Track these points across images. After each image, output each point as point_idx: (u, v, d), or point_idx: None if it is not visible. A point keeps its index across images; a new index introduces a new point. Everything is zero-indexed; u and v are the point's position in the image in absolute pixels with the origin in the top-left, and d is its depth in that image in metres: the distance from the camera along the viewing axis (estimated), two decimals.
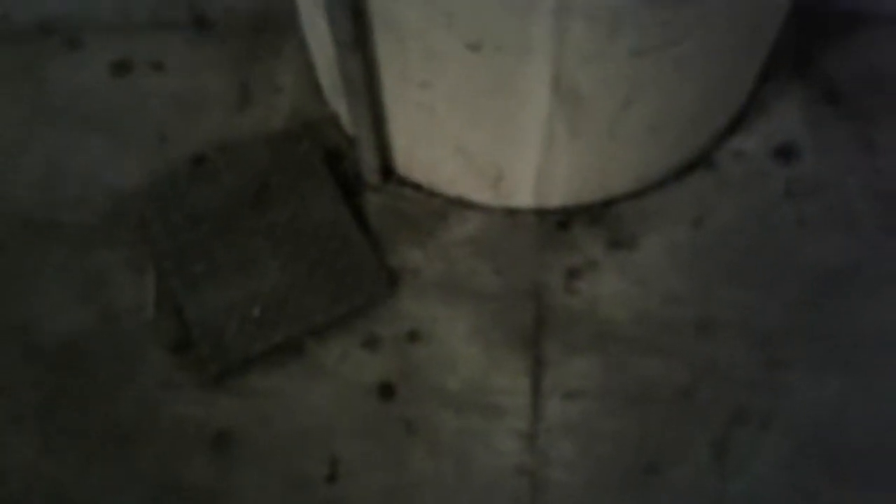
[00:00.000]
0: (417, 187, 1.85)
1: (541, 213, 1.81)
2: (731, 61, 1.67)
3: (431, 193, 1.84)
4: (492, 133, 1.66)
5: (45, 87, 2.04)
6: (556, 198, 1.79)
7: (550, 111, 1.57)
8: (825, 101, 1.92)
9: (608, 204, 1.82)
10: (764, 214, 1.79)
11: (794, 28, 1.86)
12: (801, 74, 1.96)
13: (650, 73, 1.53)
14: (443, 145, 1.73)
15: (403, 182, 1.86)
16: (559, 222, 1.80)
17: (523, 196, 1.79)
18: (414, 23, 1.47)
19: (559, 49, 1.43)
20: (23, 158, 1.94)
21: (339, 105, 1.83)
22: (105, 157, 1.93)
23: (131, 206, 1.85)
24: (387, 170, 1.85)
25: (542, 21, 1.39)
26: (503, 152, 1.70)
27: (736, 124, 1.89)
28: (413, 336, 1.70)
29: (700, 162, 1.85)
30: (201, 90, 2.00)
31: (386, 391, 1.65)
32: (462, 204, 1.83)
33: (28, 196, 1.89)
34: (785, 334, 1.68)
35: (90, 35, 2.10)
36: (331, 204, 1.82)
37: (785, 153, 1.85)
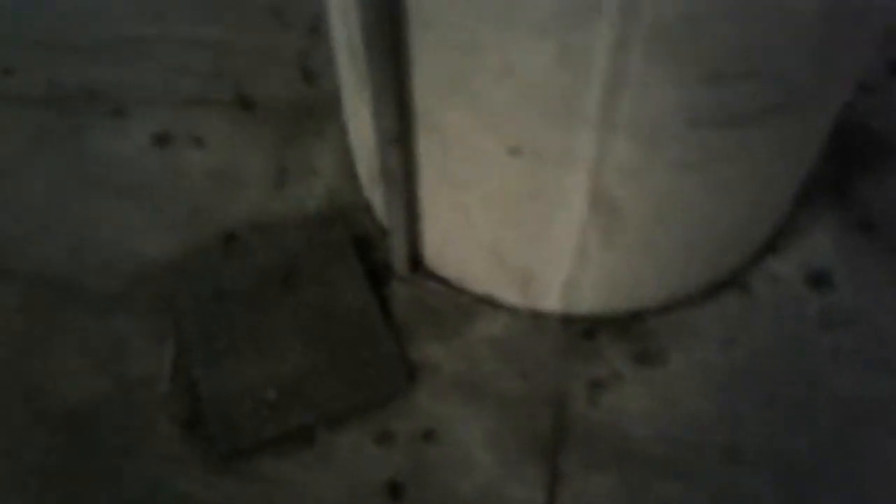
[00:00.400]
0: (445, 282, 1.84)
1: (568, 320, 1.78)
2: (770, 183, 1.67)
3: (459, 289, 1.83)
4: (525, 236, 1.66)
5: (85, 153, 2.08)
6: (585, 305, 1.77)
7: (585, 220, 1.56)
8: (860, 229, 1.91)
9: (636, 316, 1.79)
10: (797, 342, 1.76)
11: (832, 154, 1.86)
12: (837, 201, 1.95)
13: (688, 190, 1.53)
14: (475, 244, 1.73)
15: (432, 275, 1.85)
16: (586, 330, 1.78)
17: (551, 301, 1.77)
18: (457, 124, 1.48)
19: (599, 161, 1.44)
20: (56, 221, 1.96)
21: (375, 194, 1.84)
22: (137, 227, 1.94)
23: (158, 277, 1.86)
24: (416, 261, 1.85)
25: (585, 133, 1.39)
26: (535, 256, 1.69)
27: (770, 247, 1.87)
28: (428, 435, 1.66)
29: (733, 281, 1.83)
30: (239, 168, 2.03)
31: (395, 491, 1.60)
32: (489, 302, 1.81)
33: (56, 259, 1.90)
34: (812, 469, 1.62)
35: (135, 105, 2.15)
36: (358, 291, 1.81)
37: (818, 280, 1.83)
